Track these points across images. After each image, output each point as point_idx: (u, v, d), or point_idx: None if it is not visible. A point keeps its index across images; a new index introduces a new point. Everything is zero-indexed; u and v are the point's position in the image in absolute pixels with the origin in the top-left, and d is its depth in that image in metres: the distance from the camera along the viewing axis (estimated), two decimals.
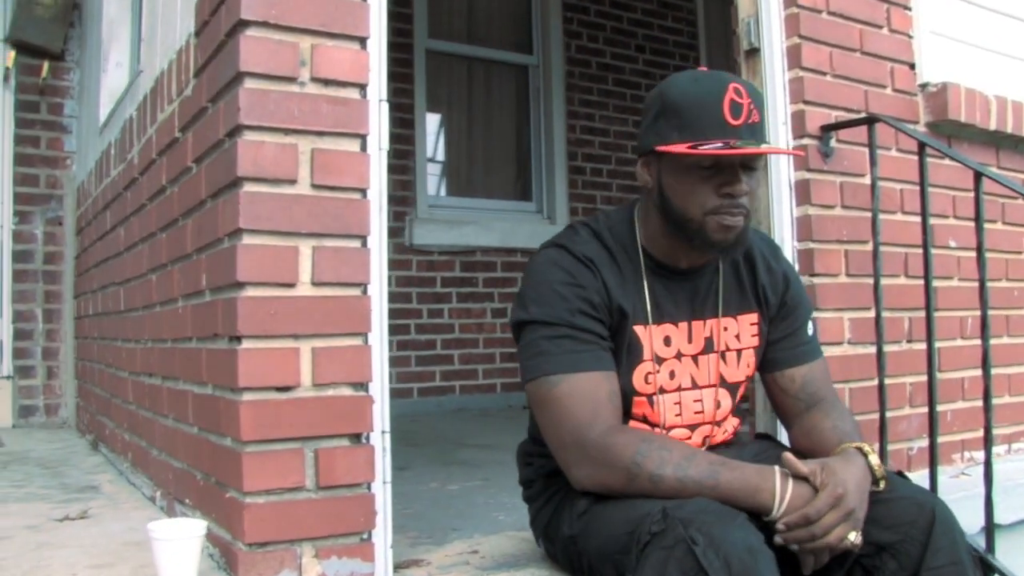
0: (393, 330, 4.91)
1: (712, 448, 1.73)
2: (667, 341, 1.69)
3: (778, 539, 1.43)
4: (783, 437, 2.38)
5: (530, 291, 1.64)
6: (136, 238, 2.72)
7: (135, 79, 2.86)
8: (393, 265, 5.07)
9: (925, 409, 2.30)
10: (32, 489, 2.67)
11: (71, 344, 4.27)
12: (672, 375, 1.69)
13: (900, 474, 1.66)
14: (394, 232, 5.12)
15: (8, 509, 2.38)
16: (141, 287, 2.66)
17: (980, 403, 2.17)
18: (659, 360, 1.67)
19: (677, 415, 1.70)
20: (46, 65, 4.34)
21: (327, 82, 1.78)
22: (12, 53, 4.29)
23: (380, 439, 1.82)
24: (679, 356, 1.70)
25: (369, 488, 1.79)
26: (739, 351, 1.75)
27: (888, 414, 2.38)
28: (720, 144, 1.51)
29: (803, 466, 1.48)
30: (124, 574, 1.75)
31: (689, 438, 1.71)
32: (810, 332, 1.82)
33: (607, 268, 1.64)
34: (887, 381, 2.40)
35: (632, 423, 1.68)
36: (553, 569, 1.82)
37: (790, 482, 1.47)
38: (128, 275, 2.86)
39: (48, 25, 4.30)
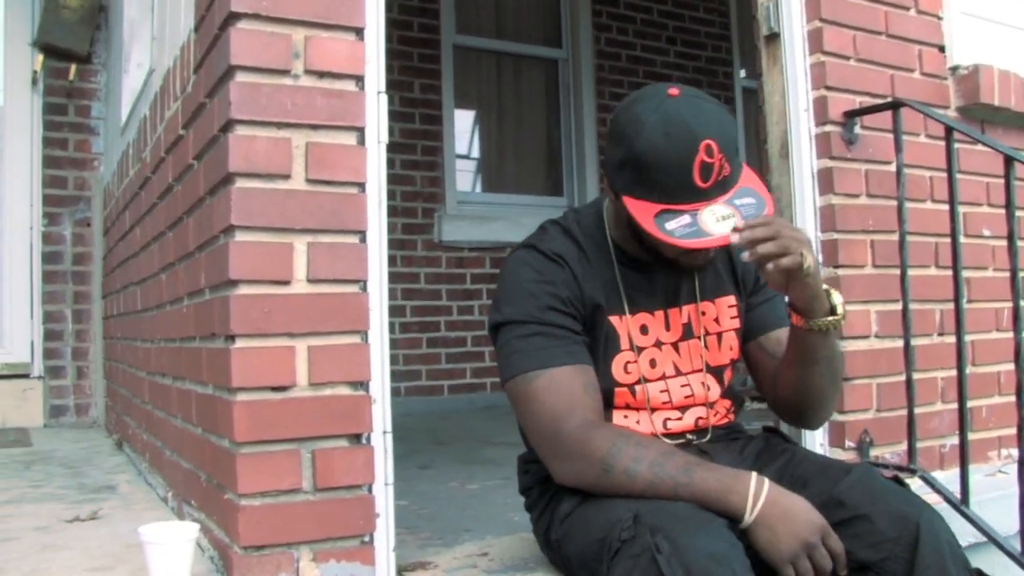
0: (423, 327, 5.05)
1: (711, 430, 1.70)
2: (644, 329, 1.68)
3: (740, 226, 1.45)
4: (804, 437, 2.32)
5: (502, 293, 1.66)
6: (149, 237, 2.70)
7: (148, 78, 2.85)
8: (422, 262, 5.06)
9: (957, 405, 2.21)
10: (50, 489, 2.67)
11: (100, 344, 4.29)
12: (653, 364, 1.67)
13: (898, 480, 1.55)
14: (423, 229, 5.10)
15: (22, 510, 2.38)
16: (154, 286, 2.65)
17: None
18: (638, 349, 1.66)
19: (665, 402, 1.68)
20: (73, 68, 4.36)
21: (322, 74, 1.74)
22: (40, 57, 4.32)
23: (381, 439, 1.77)
24: (659, 344, 1.68)
25: (370, 490, 1.75)
26: (719, 334, 1.74)
27: (918, 410, 2.32)
28: (688, 219, 1.49)
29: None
30: None
31: (680, 419, 1.69)
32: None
33: (576, 262, 1.64)
34: (917, 376, 2.34)
35: (616, 413, 1.66)
36: (560, 574, 1.77)
37: (765, 487, 1.41)
38: (144, 275, 2.85)
39: (75, 28, 4.32)
